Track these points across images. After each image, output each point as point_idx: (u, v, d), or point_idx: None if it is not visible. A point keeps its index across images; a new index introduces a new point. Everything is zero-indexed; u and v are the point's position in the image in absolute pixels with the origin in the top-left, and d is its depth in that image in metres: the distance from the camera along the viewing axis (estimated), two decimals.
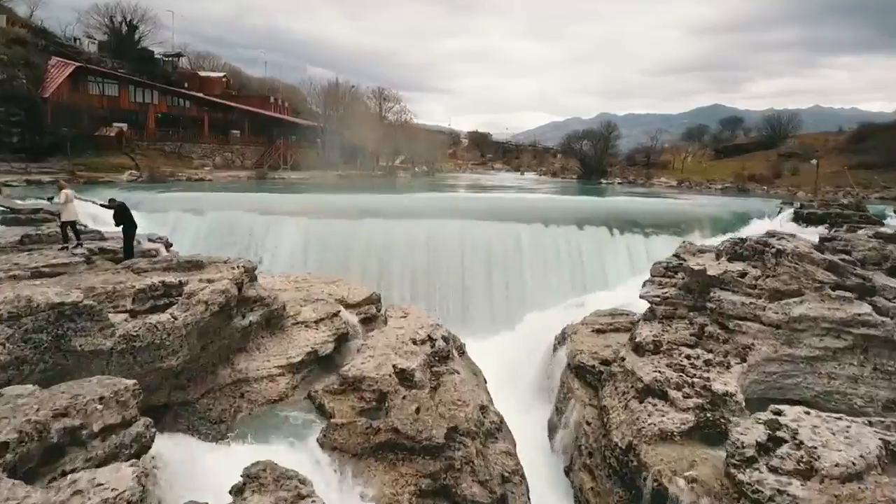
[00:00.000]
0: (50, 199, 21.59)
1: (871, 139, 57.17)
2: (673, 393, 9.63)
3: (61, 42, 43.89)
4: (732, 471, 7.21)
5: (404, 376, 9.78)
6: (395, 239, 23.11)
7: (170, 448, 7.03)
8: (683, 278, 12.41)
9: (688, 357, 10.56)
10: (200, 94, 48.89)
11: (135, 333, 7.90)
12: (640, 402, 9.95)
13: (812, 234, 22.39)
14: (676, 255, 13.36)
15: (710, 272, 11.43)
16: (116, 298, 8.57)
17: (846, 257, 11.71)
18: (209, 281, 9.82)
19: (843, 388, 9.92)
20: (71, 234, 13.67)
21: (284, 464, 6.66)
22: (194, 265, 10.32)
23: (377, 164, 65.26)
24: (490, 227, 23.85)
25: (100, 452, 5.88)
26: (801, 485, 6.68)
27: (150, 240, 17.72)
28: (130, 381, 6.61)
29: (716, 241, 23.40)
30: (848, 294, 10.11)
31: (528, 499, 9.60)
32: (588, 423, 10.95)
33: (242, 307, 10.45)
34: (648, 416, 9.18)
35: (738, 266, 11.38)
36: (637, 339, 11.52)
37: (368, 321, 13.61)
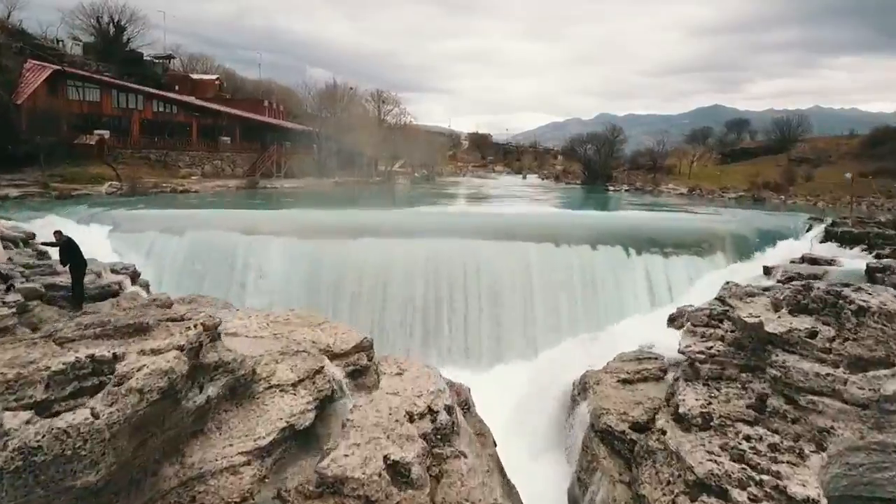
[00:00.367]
0: None
1: (887, 143, 55.20)
2: (736, 493, 7.64)
3: (41, 44, 41.80)
4: None
5: (398, 471, 7.80)
6: (391, 261, 21.16)
7: None
8: (732, 331, 10.42)
9: (747, 438, 8.57)
10: (189, 99, 46.70)
11: (36, 445, 5.91)
12: (693, 502, 7.96)
13: (853, 257, 20.47)
14: (721, 300, 11.37)
15: (769, 328, 9.44)
16: (21, 388, 6.59)
17: None
18: (154, 352, 7.82)
19: None
20: None
21: None
22: (138, 328, 8.30)
23: (375, 169, 63.29)
24: (496, 247, 21.88)
25: None
26: None
27: (113, 270, 15.72)
28: None
29: (744, 267, 21.55)
30: None
31: None
32: None
33: (200, 377, 8.43)
34: None
35: (805, 322, 9.38)
36: (680, 408, 9.52)
37: (358, 374, 11.57)
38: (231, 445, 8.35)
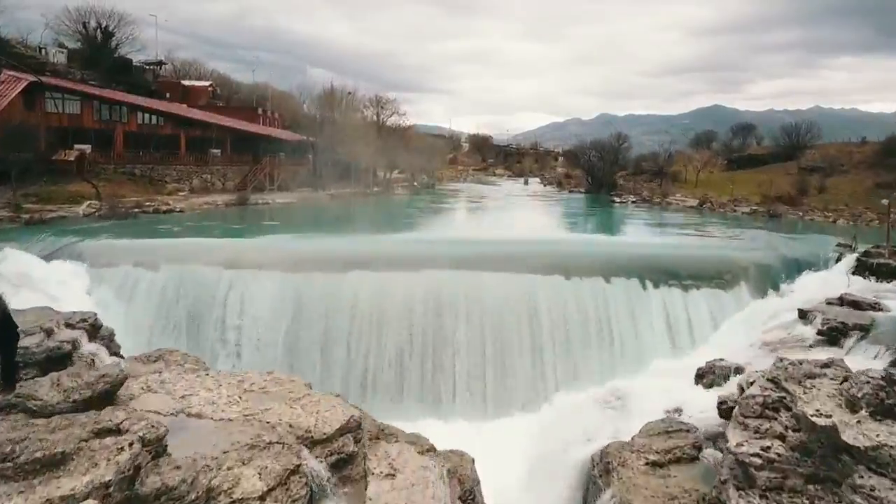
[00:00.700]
0: None
1: None
2: None
3: (20, 52, 39.83)
4: None
5: None
6: (385, 296, 19.39)
7: None
8: (795, 429, 8.58)
9: None
10: (177, 110, 44.65)
11: None
12: None
13: (889, 292, 18.69)
14: (774, 382, 9.50)
15: (848, 437, 7.59)
16: None
17: None
18: (63, 500, 5.98)
19: None
20: None
21: None
22: (48, 461, 6.43)
23: (374, 177, 61.49)
24: (500, 280, 20.07)
25: None
26: None
27: (68, 324, 13.77)
28: None
29: (771, 305, 19.64)
30: None
31: None
32: None
33: None
34: None
35: (894, 429, 7.54)
36: None
37: (343, 464, 9.73)
38: None
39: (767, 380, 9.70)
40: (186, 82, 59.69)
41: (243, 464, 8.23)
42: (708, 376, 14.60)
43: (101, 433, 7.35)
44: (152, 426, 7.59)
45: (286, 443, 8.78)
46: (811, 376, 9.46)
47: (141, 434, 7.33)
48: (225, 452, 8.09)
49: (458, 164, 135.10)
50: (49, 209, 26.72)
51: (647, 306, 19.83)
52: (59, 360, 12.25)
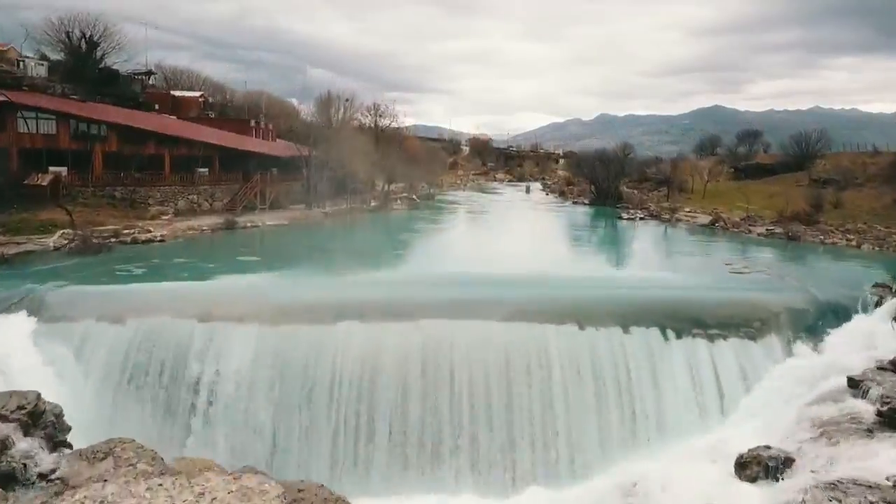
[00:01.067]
0: None
1: None
2: None
3: None
4: None
5: None
6: (378, 351, 17.44)
7: None
8: None
9: None
10: (160, 127, 42.31)
11: None
12: None
13: None
14: None
15: None
16: None
17: None
18: None
19: None
20: None
21: None
22: None
23: (371, 190, 59.43)
24: (507, 331, 18.08)
25: None
26: None
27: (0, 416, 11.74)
28: None
29: (809, 362, 17.34)
30: None
31: None
32: None
33: None
34: None
35: None
36: None
37: None
38: None
39: None
40: (177, 93, 57.53)
41: None
42: (752, 467, 12.56)
43: None
44: None
45: None
46: None
47: None
48: None
49: (458, 169, 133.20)
50: (16, 241, 24.60)
51: (669, 363, 17.83)
52: None
